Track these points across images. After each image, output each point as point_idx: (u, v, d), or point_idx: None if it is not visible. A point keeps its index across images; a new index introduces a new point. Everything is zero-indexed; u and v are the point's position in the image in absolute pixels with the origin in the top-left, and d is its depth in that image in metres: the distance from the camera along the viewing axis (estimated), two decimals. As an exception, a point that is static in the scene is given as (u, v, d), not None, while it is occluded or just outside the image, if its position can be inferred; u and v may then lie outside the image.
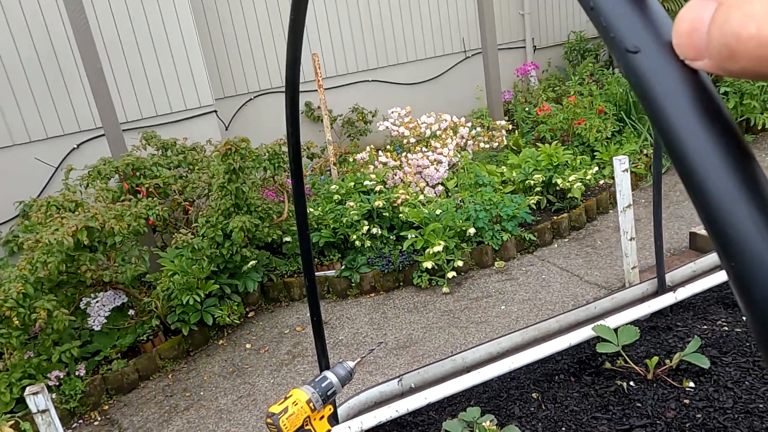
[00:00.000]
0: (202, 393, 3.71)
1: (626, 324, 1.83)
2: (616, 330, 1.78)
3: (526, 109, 7.07)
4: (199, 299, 4.01)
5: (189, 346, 4.15)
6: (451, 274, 4.40)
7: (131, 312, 4.11)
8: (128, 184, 4.47)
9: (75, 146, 5.38)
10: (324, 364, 1.47)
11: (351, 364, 1.45)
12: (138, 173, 4.53)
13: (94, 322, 3.88)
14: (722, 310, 2.08)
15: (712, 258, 2.40)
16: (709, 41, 0.21)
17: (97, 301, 3.96)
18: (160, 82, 5.71)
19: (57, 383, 3.59)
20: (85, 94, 5.16)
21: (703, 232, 3.96)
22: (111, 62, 5.43)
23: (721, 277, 2.20)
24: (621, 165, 2.88)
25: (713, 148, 0.23)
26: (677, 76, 0.24)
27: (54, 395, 3.53)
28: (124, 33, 5.49)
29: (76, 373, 3.70)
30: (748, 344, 1.81)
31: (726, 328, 1.94)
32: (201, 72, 5.86)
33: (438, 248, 4.36)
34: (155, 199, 4.29)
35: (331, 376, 1.42)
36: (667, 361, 1.74)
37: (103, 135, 4.78)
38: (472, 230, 4.55)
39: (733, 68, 0.21)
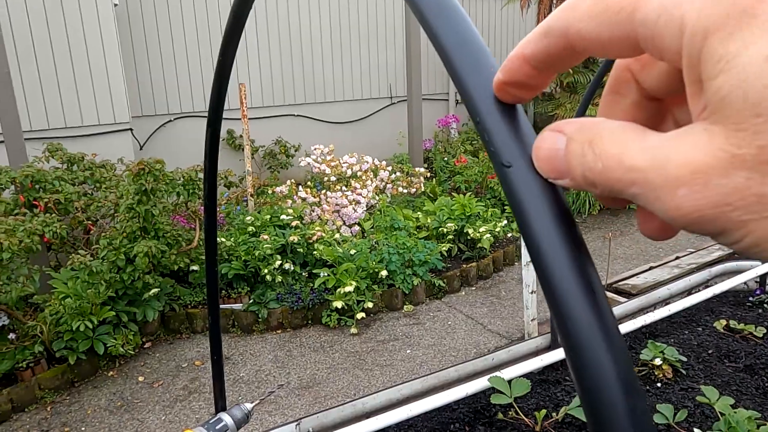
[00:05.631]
0: (83, 429, 3.44)
1: (520, 376, 1.92)
2: (510, 382, 1.86)
3: (445, 159, 7.36)
4: (91, 326, 3.75)
5: (74, 376, 3.85)
6: (360, 315, 4.41)
7: (12, 336, 3.77)
8: (25, 197, 4.17)
9: (-33, 150, 4.97)
10: (221, 405, 1.42)
11: (249, 406, 1.41)
12: (37, 186, 4.24)
13: (-35, 344, 3.53)
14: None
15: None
16: (569, 168, 0.26)
17: (-28, 322, 3.61)
18: (73, 92, 5.44)
19: None
20: (-13, 96, 4.81)
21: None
22: (20, 64, 5.12)
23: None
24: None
25: (562, 252, 0.28)
26: (539, 191, 0.29)
27: None
28: (38, 35, 5.21)
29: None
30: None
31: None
32: (119, 86, 5.64)
33: (349, 288, 4.37)
34: (54, 215, 4.02)
35: (226, 419, 1.38)
36: (554, 414, 1.84)
37: (2, 142, 4.46)
38: (384, 272, 4.61)
39: (593, 191, 0.26)
